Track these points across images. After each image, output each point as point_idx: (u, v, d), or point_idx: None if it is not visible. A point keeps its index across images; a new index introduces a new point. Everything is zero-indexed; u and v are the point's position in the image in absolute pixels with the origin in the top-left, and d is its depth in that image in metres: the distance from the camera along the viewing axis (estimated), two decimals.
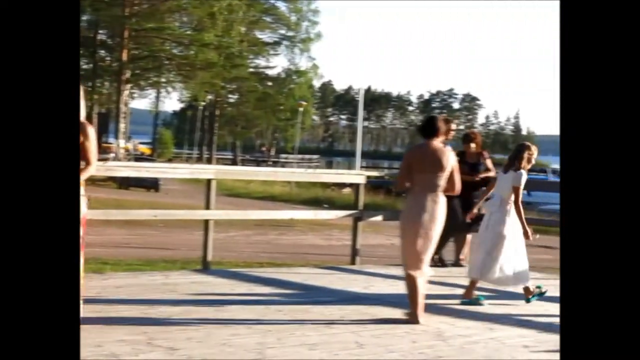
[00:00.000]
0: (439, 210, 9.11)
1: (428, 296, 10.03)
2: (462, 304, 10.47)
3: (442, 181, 9.08)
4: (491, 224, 10.59)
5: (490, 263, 10.48)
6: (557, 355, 7.86)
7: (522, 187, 10.52)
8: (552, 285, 12.47)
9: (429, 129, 9.23)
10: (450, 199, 13.53)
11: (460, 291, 10.91)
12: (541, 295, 10.78)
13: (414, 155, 9.29)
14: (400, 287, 11.14)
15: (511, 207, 10.54)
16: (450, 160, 9.15)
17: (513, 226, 10.53)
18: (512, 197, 10.53)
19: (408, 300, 9.13)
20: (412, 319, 9.02)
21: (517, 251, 10.60)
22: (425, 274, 9.19)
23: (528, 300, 10.74)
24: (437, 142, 9.21)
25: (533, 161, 10.74)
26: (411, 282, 9.12)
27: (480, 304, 10.44)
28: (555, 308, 10.43)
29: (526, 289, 10.77)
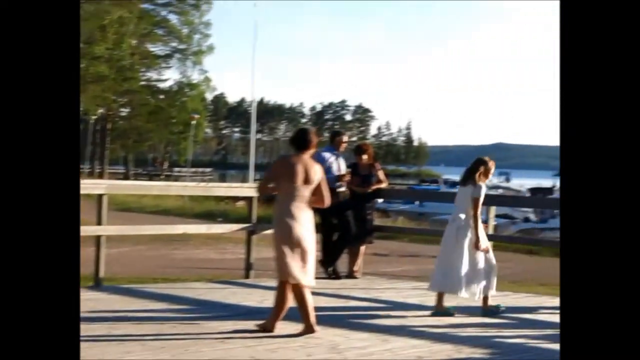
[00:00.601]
0: (308, 220, 9.22)
1: (323, 308, 10.06)
2: (433, 315, 10.58)
3: (308, 193, 9.20)
4: (457, 237, 10.76)
5: (452, 274, 10.63)
6: None
7: (481, 199, 10.70)
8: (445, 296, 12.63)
9: (300, 141, 9.37)
10: (343, 211, 13.68)
11: (355, 303, 10.94)
12: (496, 312, 10.86)
13: (282, 165, 9.36)
14: (293, 301, 11.14)
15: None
16: (318, 173, 9.27)
17: (481, 237, 10.78)
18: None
19: (300, 313, 9.13)
20: (308, 330, 9.03)
21: (483, 261, 10.78)
22: (308, 284, 9.21)
23: (484, 313, 10.87)
24: (307, 155, 9.32)
25: (490, 175, 10.92)
26: (298, 294, 9.13)
27: (451, 314, 10.59)
28: (448, 319, 10.55)
29: (485, 299, 10.92)
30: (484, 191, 10.79)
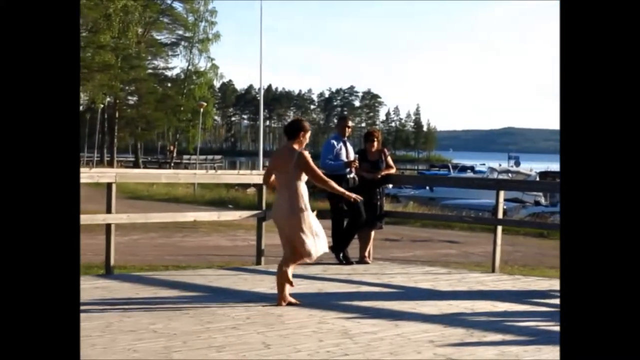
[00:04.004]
0: (292, 204, 9.76)
1: (334, 294, 10.09)
2: None
3: (293, 178, 9.78)
4: None
5: None
6: (460, 348, 7.96)
7: None
8: (456, 280, 12.62)
9: (287, 130, 10.06)
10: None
11: (366, 288, 10.91)
12: None
13: (273, 155, 10.47)
14: (305, 286, 11.15)
15: None
16: (294, 160, 9.78)
17: None
18: None
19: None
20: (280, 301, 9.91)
21: None
22: (295, 261, 9.97)
23: None
24: (291, 143, 9.91)
25: None
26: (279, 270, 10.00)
27: None
28: (464, 303, 10.54)
29: None
30: None
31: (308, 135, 10.09)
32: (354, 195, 10.77)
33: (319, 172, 10.01)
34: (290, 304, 9.93)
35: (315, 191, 13.08)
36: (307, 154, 9.83)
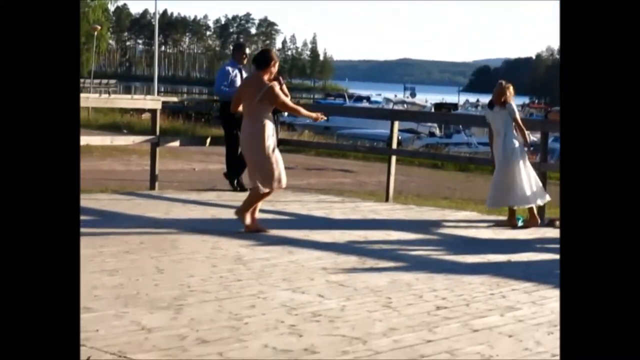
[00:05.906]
0: (256, 133, 9.84)
1: (228, 220, 10.11)
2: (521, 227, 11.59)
3: (258, 111, 9.83)
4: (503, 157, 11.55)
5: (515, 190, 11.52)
6: (353, 275, 8.03)
7: (517, 114, 11.60)
8: (349, 208, 12.73)
9: (257, 60, 10.08)
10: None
11: (260, 215, 10.96)
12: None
13: (242, 83, 10.64)
14: (199, 212, 11.14)
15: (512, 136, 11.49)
16: (262, 93, 9.77)
17: (522, 153, 11.54)
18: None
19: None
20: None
21: (529, 174, 11.58)
22: (259, 189, 10.07)
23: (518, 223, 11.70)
24: (262, 74, 9.89)
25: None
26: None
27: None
28: (357, 232, 10.62)
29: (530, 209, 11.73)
30: (516, 108, 11.74)
31: (277, 65, 10.13)
32: (321, 115, 11.11)
33: (287, 100, 10.14)
34: (258, 230, 10.12)
35: (211, 118, 13.04)
36: (276, 87, 9.89)
